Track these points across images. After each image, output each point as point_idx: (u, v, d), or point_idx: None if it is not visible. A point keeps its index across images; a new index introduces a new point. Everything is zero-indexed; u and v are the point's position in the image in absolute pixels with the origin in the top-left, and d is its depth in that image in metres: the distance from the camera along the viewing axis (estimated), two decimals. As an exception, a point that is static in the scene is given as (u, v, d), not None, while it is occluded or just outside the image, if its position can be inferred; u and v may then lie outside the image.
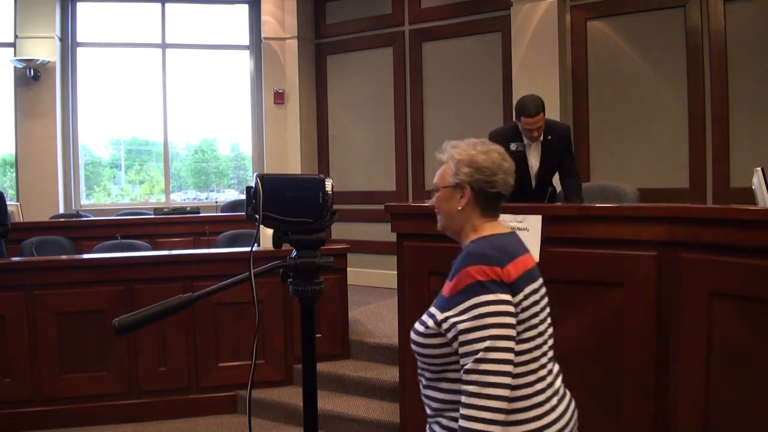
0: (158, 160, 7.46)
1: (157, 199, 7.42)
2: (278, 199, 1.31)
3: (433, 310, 1.43)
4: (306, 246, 1.35)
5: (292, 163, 6.81)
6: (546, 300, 1.54)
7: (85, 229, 5.36)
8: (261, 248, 3.87)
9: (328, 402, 3.45)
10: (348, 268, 4.21)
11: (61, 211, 6.48)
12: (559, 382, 1.54)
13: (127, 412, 3.58)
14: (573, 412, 1.56)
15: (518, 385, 1.38)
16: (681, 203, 2.75)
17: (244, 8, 7.35)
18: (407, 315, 2.89)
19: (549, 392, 1.45)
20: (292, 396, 3.58)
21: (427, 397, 1.49)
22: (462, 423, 1.31)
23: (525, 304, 1.41)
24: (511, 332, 1.35)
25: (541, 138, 3.57)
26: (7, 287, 3.48)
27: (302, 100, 6.79)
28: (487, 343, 1.32)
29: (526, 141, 3.61)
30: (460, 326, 1.35)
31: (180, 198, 7.52)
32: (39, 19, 6.59)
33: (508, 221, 2.58)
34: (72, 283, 3.58)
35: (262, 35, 6.93)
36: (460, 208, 1.53)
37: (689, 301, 2.21)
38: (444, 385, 1.43)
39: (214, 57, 7.42)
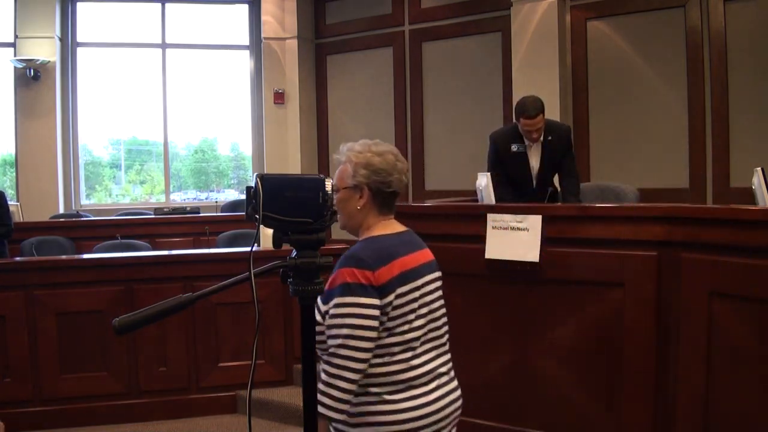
0: (158, 160, 7.46)
1: (157, 199, 7.42)
2: (278, 199, 1.31)
3: (319, 301, 1.58)
4: (306, 246, 1.34)
5: (292, 163, 6.81)
6: (435, 295, 1.67)
7: (85, 229, 5.35)
8: (261, 248, 3.87)
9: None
10: (348, 268, 4.20)
11: (61, 211, 6.48)
12: (443, 369, 1.66)
13: (127, 412, 3.58)
14: (454, 399, 1.67)
15: (393, 371, 1.54)
16: (681, 203, 2.76)
17: (244, 8, 7.35)
18: (407, 315, 2.89)
19: (425, 378, 1.58)
20: (292, 396, 3.58)
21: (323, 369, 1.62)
22: (318, 405, 1.47)
23: (396, 303, 1.54)
24: (366, 333, 1.50)
25: (542, 138, 3.57)
26: (7, 287, 3.48)
27: (302, 100, 6.79)
28: (340, 341, 1.49)
29: (526, 142, 3.62)
30: (328, 320, 1.53)
31: (180, 198, 7.52)
32: (39, 19, 6.59)
33: (508, 221, 2.59)
34: (72, 283, 3.58)
35: (262, 35, 6.93)
36: (359, 207, 1.64)
37: (689, 301, 2.21)
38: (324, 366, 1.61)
39: (214, 57, 7.42)
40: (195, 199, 7.59)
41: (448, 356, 1.71)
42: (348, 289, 1.51)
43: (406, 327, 1.56)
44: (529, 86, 5.29)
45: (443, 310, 1.70)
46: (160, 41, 7.17)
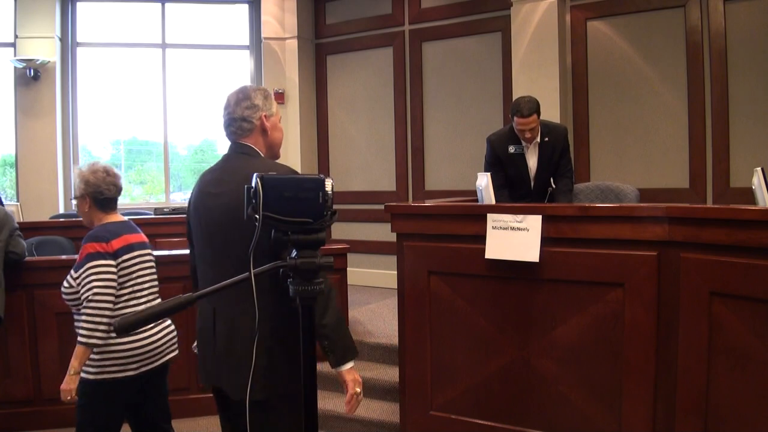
0: (158, 160, 7.46)
1: (157, 199, 7.42)
2: (278, 199, 1.31)
3: (72, 272, 2.39)
4: (306, 246, 1.35)
5: (292, 163, 6.80)
6: (150, 263, 2.55)
7: (85, 229, 5.33)
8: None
9: (328, 402, 3.44)
10: (348, 268, 4.20)
11: (61, 211, 6.48)
12: None
13: (127, 412, 3.58)
14: (169, 332, 2.55)
15: (124, 314, 2.18)
16: (681, 203, 2.76)
17: (244, 8, 7.35)
18: (407, 315, 2.89)
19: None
20: (292, 396, 3.58)
21: (77, 321, 2.39)
22: (79, 338, 2.28)
23: (124, 264, 2.39)
24: (109, 283, 2.33)
25: (538, 139, 3.60)
26: (7, 287, 3.48)
27: (302, 100, 6.79)
28: (90, 293, 2.29)
29: (524, 143, 3.63)
30: (83, 280, 2.32)
31: (180, 198, 7.52)
32: (39, 19, 6.59)
33: (508, 221, 2.59)
34: (72, 283, 3.58)
35: (262, 35, 6.93)
36: (87, 209, 2.50)
37: (689, 301, 2.21)
38: (81, 316, 2.34)
39: (214, 57, 7.42)
40: (195, 199, 7.58)
41: (159, 302, 2.24)
42: (92, 257, 2.34)
43: (131, 282, 2.41)
44: (529, 86, 5.30)
45: (155, 275, 2.58)
46: (160, 41, 7.17)
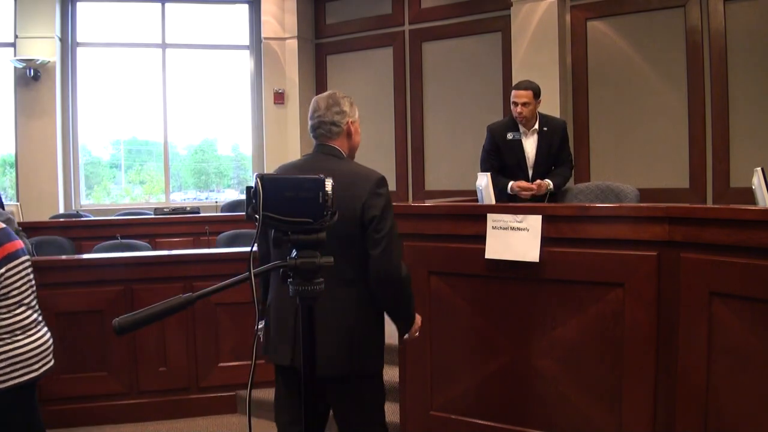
0: (158, 160, 7.46)
1: (157, 199, 7.42)
2: (278, 199, 1.31)
3: None
4: (306, 246, 1.34)
5: (292, 163, 6.80)
6: (29, 270, 2.35)
7: (85, 229, 5.35)
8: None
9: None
10: (348, 268, 4.20)
11: (61, 211, 6.48)
12: (40, 317, 2.44)
13: (127, 412, 3.58)
14: (50, 336, 2.51)
15: (14, 321, 2.25)
16: (681, 203, 2.76)
17: (244, 8, 7.35)
18: (407, 315, 2.88)
19: (35, 324, 2.36)
20: (292, 396, 3.58)
21: None
22: None
23: (7, 275, 2.21)
24: None
25: (536, 126, 3.65)
26: (7, 287, 3.48)
27: (302, 100, 6.79)
28: None
29: (521, 129, 3.68)
30: None
31: (180, 198, 7.52)
32: (39, 19, 6.59)
33: (508, 221, 2.59)
34: (72, 283, 3.57)
35: (262, 35, 6.93)
36: None
37: (689, 301, 2.21)
38: None
39: (214, 57, 7.42)
40: (195, 199, 7.59)
41: (38, 308, 2.41)
42: None
43: (15, 291, 2.27)
44: (529, 86, 5.30)
45: (33, 281, 2.41)
46: (160, 41, 7.17)
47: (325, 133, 2.09)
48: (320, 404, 2.11)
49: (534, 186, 3.59)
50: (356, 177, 1.99)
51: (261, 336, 2.18)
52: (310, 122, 2.13)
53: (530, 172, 3.71)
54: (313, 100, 2.16)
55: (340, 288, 1.94)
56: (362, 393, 2.09)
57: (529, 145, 3.70)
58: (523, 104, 3.57)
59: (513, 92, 3.60)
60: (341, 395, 2.06)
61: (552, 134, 3.67)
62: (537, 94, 3.58)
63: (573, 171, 3.88)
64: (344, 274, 1.95)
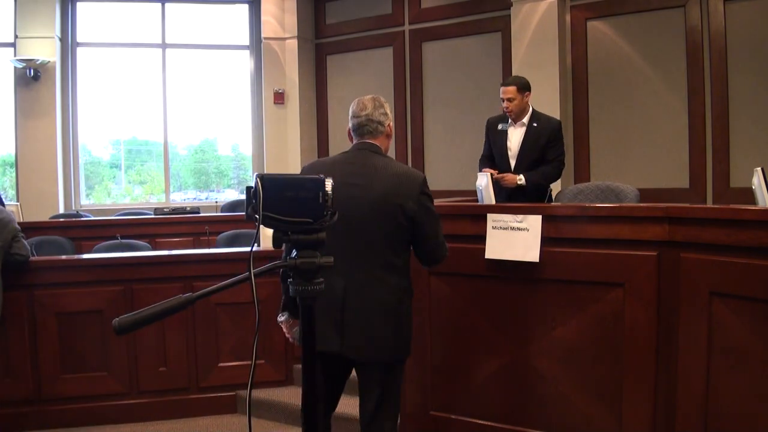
0: (158, 160, 7.46)
1: (157, 199, 7.42)
2: (278, 199, 1.31)
3: None
4: (306, 246, 1.34)
5: (292, 163, 6.80)
6: None
7: (85, 229, 5.35)
8: (261, 248, 3.86)
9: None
10: (348, 268, 4.20)
11: (61, 211, 6.48)
12: None
13: (127, 412, 3.58)
14: None
15: None
16: (681, 203, 2.76)
17: (244, 8, 7.35)
18: (407, 315, 2.89)
19: None
20: (292, 396, 3.58)
21: None
22: None
23: None
24: None
25: (525, 120, 3.74)
26: (7, 287, 3.48)
27: (302, 100, 6.79)
28: None
29: (509, 121, 3.80)
30: None
31: (180, 198, 7.52)
32: (39, 19, 6.59)
33: (508, 221, 2.59)
34: (72, 283, 3.57)
35: (262, 35, 6.93)
36: None
37: (689, 301, 2.21)
38: None
39: (214, 57, 7.42)
40: (195, 199, 7.59)
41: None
42: None
43: None
44: (529, 86, 5.30)
45: None
46: (160, 41, 7.17)
47: (372, 130, 2.25)
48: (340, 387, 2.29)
49: (495, 172, 3.69)
50: (404, 174, 2.18)
51: (284, 326, 2.30)
52: (355, 120, 2.27)
53: (512, 163, 3.80)
54: (357, 100, 2.30)
55: (389, 275, 2.14)
56: (394, 377, 2.21)
57: (515, 137, 3.80)
58: (509, 99, 3.72)
59: (500, 89, 3.79)
60: (377, 378, 2.17)
61: (541, 130, 3.74)
62: (522, 88, 3.71)
63: (560, 172, 3.90)
64: (392, 262, 2.15)
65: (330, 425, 2.33)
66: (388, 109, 2.31)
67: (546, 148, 3.75)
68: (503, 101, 3.75)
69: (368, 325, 2.10)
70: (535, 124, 3.75)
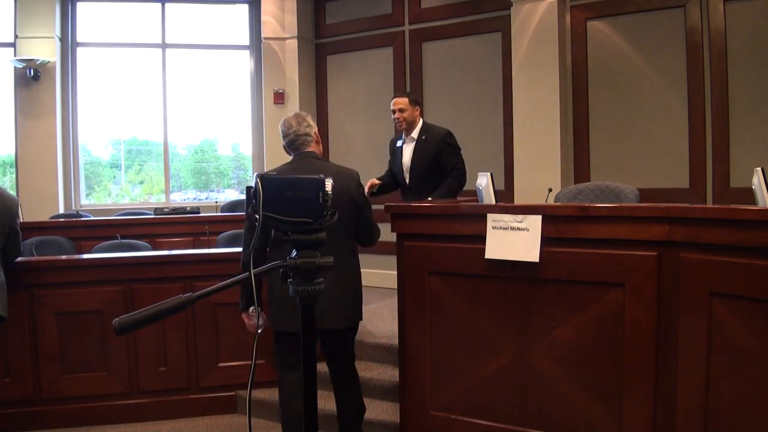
0: (158, 160, 7.46)
1: (157, 199, 7.42)
2: (278, 199, 1.31)
3: None
4: (306, 246, 1.34)
5: (292, 163, 6.79)
6: None
7: (85, 229, 5.35)
8: (261, 248, 3.87)
9: (328, 402, 3.44)
10: (348, 268, 4.20)
11: (61, 211, 6.48)
12: None
13: (127, 412, 3.58)
14: None
15: None
16: (681, 203, 2.76)
17: (244, 8, 7.35)
18: (407, 315, 2.89)
19: None
20: (292, 396, 3.58)
21: None
22: None
23: None
24: None
25: (414, 134, 3.94)
26: (7, 287, 3.48)
27: (302, 100, 6.79)
28: None
29: (403, 137, 4.03)
30: None
31: (180, 198, 7.52)
32: (39, 19, 6.59)
33: (508, 221, 2.59)
34: (72, 283, 3.58)
35: (262, 35, 6.92)
36: None
37: (689, 301, 2.21)
38: None
39: (214, 57, 7.42)
40: (195, 199, 7.59)
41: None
42: None
43: None
44: (529, 86, 5.30)
45: None
46: (160, 41, 7.17)
47: (303, 143, 2.68)
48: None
49: (378, 183, 4.01)
50: (343, 173, 2.68)
51: (247, 317, 2.81)
52: (286, 138, 2.69)
53: (407, 177, 4.01)
54: (283, 120, 2.72)
55: (347, 258, 2.71)
56: (351, 334, 2.85)
57: (407, 153, 4.01)
58: (400, 110, 3.94)
59: (392, 101, 4.00)
60: (340, 337, 2.77)
61: (429, 142, 3.89)
62: (413, 102, 3.95)
63: (463, 181, 3.97)
64: (350, 247, 2.73)
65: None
66: (310, 119, 2.74)
67: (439, 160, 3.87)
68: (394, 113, 3.97)
69: (345, 301, 2.69)
70: (423, 137, 3.91)
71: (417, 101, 4.02)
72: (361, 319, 2.83)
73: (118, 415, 3.57)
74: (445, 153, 3.89)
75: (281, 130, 2.71)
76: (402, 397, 2.94)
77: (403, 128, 4.01)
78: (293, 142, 2.69)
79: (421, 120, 4.04)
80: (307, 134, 2.69)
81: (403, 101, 3.95)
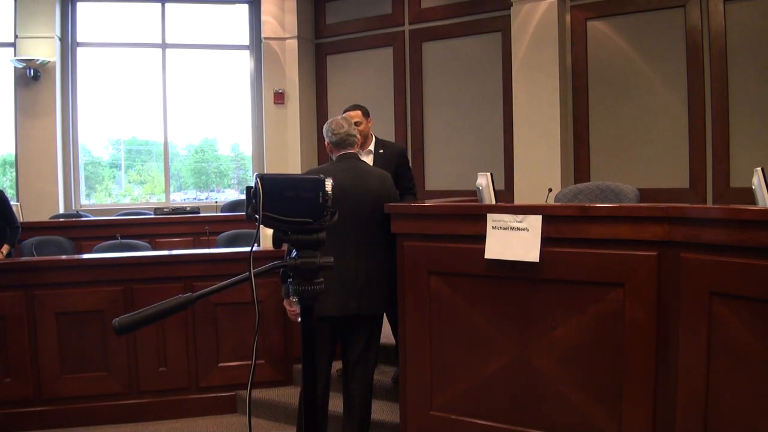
0: (158, 160, 7.46)
1: (158, 199, 7.42)
2: (278, 199, 1.31)
3: None
4: (306, 246, 1.34)
5: (292, 163, 6.81)
6: None
7: (85, 229, 5.35)
8: (261, 248, 3.87)
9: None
10: (348, 268, 4.20)
11: (61, 211, 6.48)
12: None
13: (127, 412, 3.58)
14: None
15: None
16: (681, 203, 2.75)
17: (244, 8, 7.35)
18: (407, 315, 2.89)
19: None
20: (292, 396, 3.58)
21: None
22: None
23: None
24: None
25: (372, 147, 3.79)
26: (7, 287, 3.48)
27: (302, 100, 6.79)
28: None
29: (358, 151, 3.88)
30: None
31: (180, 198, 7.52)
32: (39, 19, 6.59)
33: (508, 221, 2.59)
34: (72, 283, 3.58)
35: (262, 35, 6.93)
36: None
37: (689, 301, 2.21)
38: None
39: (214, 57, 7.42)
40: (195, 199, 7.59)
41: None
42: None
43: None
44: (529, 86, 5.30)
45: None
46: (160, 41, 7.17)
47: (352, 143, 2.89)
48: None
49: None
50: (382, 175, 2.92)
51: (288, 304, 2.83)
52: (335, 137, 2.85)
53: None
54: (331, 120, 2.92)
55: (384, 252, 2.86)
56: (379, 325, 2.96)
57: None
58: (356, 123, 3.69)
59: (345, 114, 3.78)
60: (371, 325, 2.88)
61: (389, 156, 3.76)
62: (366, 114, 3.79)
63: (417, 198, 3.94)
64: (385, 243, 2.86)
65: (330, 375, 2.91)
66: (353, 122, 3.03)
67: (397, 176, 3.69)
68: None
69: (371, 290, 2.80)
70: (381, 151, 3.79)
71: (368, 113, 3.84)
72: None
73: (118, 415, 3.57)
74: (403, 167, 3.82)
75: (330, 128, 2.86)
76: (402, 397, 2.94)
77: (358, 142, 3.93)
78: (343, 141, 2.86)
79: (373, 135, 3.86)
80: (354, 136, 2.89)
81: (357, 114, 3.74)
